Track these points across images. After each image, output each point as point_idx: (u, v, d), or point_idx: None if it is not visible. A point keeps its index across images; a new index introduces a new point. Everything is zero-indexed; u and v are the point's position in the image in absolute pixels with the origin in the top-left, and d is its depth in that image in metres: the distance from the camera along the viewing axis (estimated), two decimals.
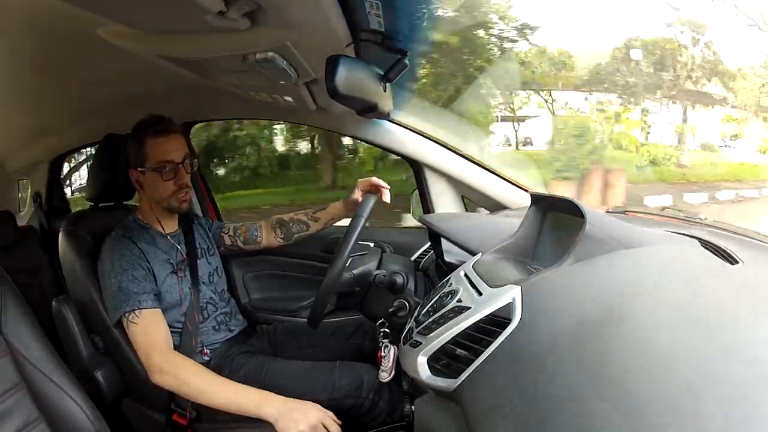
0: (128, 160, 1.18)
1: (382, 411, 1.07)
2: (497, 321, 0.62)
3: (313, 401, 1.05)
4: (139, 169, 1.15)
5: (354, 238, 1.01)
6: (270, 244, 1.38)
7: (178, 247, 1.19)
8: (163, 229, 1.20)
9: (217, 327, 1.21)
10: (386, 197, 1.23)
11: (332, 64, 0.76)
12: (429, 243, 1.52)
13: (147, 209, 1.20)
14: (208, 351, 1.17)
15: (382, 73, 0.91)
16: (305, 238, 1.37)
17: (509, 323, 0.60)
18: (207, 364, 1.14)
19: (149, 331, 1.04)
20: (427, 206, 1.55)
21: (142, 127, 1.15)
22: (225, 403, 0.99)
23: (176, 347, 1.11)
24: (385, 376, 1.05)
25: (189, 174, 1.18)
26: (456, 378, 0.61)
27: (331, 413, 0.99)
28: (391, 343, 1.06)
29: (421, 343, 0.71)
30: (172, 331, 1.12)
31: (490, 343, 0.59)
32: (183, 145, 1.17)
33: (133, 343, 1.06)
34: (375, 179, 1.24)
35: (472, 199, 1.56)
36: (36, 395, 0.82)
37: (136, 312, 1.04)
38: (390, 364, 1.04)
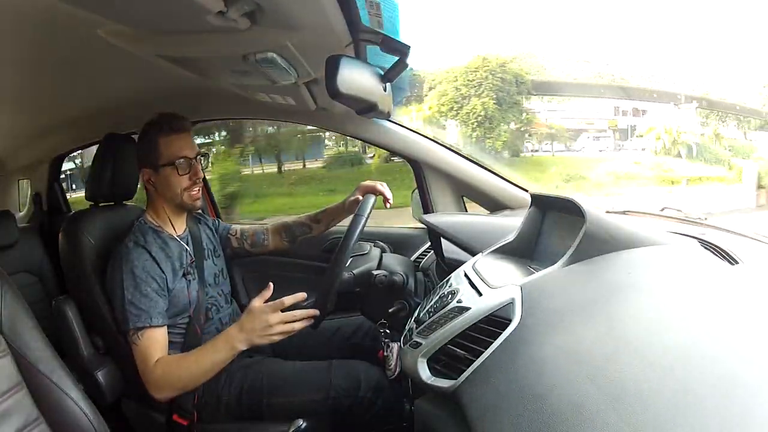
0: (138, 160, 1.18)
1: (380, 410, 1.07)
2: (497, 321, 0.62)
3: (310, 401, 1.06)
4: (151, 167, 1.15)
5: (355, 237, 1.01)
6: (277, 247, 1.38)
7: (187, 248, 1.19)
8: (174, 231, 1.19)
9: (220, 328, 1.21)
10: (388, 202, 1.23)
11: (332, 64, 0.76)
12: (429, 243, 1.52)
13: (159, 209, 1.18)
14: None
15: (382, 73, 0.91)
16: (309, 239, 1.38)
17: (509, 323, 0.60)
18: None
19: (147, 352, 1.04)
20: (427, 206, 1.55)
21: (153, 126, 1.14)
22: (212, 370, 1.03)
23: (181, 348, 1.12)
24: (391, 374, 1.05)
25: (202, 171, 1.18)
26: (456, 378, 0.61)
27: (275, 303, 1.02)
28: (392, 341, 1.06)
29: (421, 344, 0.71)
30: (177, 332, 1.12)
31: (490, 343, 0.59)
32: (194, 142, 1.18)
33: (134, 356, 1.07)
34: (378, 184, 1.24)
35: (472, 199, 1.57)
36: (36, 395, 0.82)
37: (139, 334, 1.04)
38: (394, 362, 1.05)
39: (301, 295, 1.02)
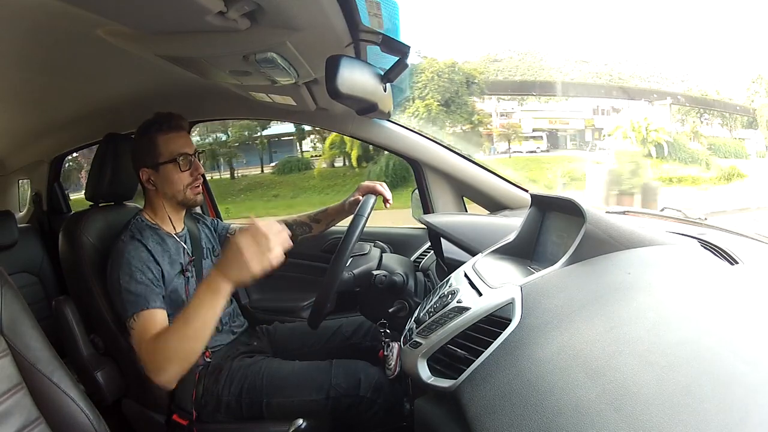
0: (136, 160, 1.17)
1: (380, 409, 1.07)
2: (497, 321, 0.62)
3: (310, 401, 1.05)
4: (151, 166, 1.15)
5: (355, 238, 1.02)
6: None
7: (185, 246, 1.19)
8: (173, 228, 1.19)
9: (220, 328, 1.21)
10: (388, 202, 1.24)
11: (332, 64, 0.76)
12: (429, 243, 1.52)
13: (158, 208, 1.18)
14: (210, 352, 1.17)
15: (382, 73, 0.91)
16: (308, 239, 1.38)
17: (509, 323, 0.60)
18: (207, 366, 1.14)
19: (143, 334, 0.99)
20: (427, 206, 1.55)
21: (151, 125, 1.15)
22: (204, 326, 0.90)
23: None
24: (390, 373, 1.05)
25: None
26: (456, 378, 0.61)
27: (253, 230, 0.87)
28: (392, 341, 1.06)
29: (421, 344, 0.71)
30: None
31: (490, 343, 0.59)
32: (191, 141, 1.19)
33: (132, 343, 1.04)
34: (377, 184, 1.24)
35: (472, 199, 1.57)
36: (36, 395, 0.82)
37: (136, 317, 1.00)
38: (394, 362, 1.05)
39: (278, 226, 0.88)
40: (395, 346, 1.06)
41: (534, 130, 10.76)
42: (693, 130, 10.27)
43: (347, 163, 10.19)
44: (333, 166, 10.23)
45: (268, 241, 0.86)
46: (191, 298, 0.92)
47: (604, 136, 10.52)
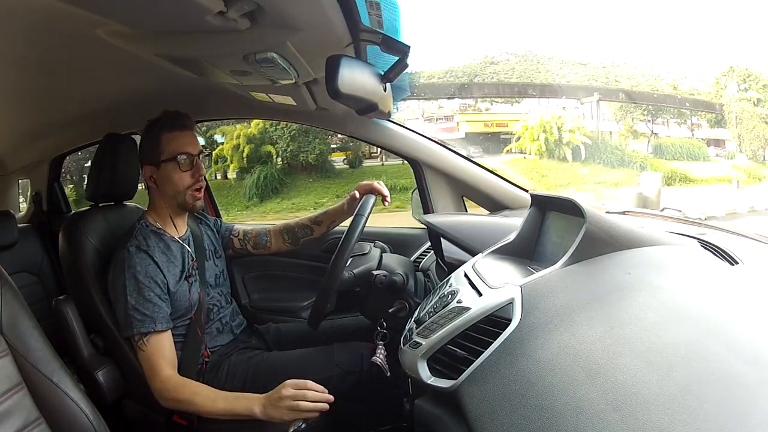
0: (141, 157, 1.18)
1: (385, 384, 1.07)
2: (497, 321, 0.62)
3: (314, 381, 1.06)
4: (153, 163, 1.14)
5: (355, 238, 1.02)
6: (279, 249, 1.39)
7: (189, 249, 1.19)
8: (176, 232, 1.19)
9: (221, 328, 1.22)
10: (386, 201, 1.24)
11: (332, 64, 0.76)
12: (429, 243, 1.52)
13: (161, 209, 1.18)
14: (210, 352, 1.17)
15: (382, 73, 0.91)
16: (311, 241, 1.38)
17: (509, 324, 0.60)
18: (206, 364, 1.14)
19: (154, 359, 1.05)
20: (427, 206, 1.55)
21: (157, 123, 1.15)
22: (221, 413, 1.01)
23: (182, 347, 1.12)
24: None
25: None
26: (456, 378, 0.61)
27: (303, 382, 0.99)
28: (386, 345, 1.08)
29: (421, 344, 0.71)
30: (177, 333, 1.12)
31: (490, 343, 0.59)
32: (197, 141, 1.18)
33: (140, 361, 1.07)
34: (375, 183, 1.24)
35: (472, 199, 1.57)
36: (36, 395, 0.82)
37: (145, 339, 1.05)
38: (381, 360, 1.06)
39: (321, 390, 0.99)
40: (382, 350, 1.06)
41: (467, 134, 10.40)
42: (629, 129, 9.41)
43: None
44: (226, 177, 10.40)
45: (303, 397, 0.96)
46: (231, 393, 1.03)
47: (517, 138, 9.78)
